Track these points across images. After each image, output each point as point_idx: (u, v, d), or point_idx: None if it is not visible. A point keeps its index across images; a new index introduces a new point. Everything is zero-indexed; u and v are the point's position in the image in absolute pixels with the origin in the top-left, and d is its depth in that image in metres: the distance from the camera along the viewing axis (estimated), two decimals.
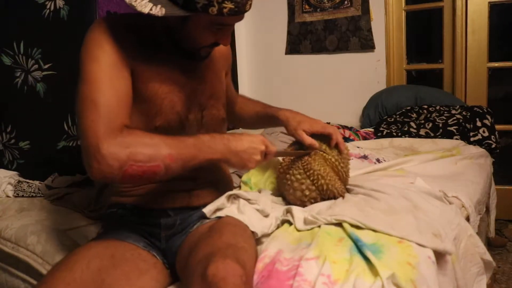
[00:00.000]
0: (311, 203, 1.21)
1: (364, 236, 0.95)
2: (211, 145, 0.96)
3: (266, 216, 1.11)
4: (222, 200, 1.10)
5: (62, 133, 1.94)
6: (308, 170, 1.18)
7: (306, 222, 1.06)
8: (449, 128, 2.16)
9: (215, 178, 1.17)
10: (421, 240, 0.95)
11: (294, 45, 3.06)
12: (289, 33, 3.07)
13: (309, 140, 1.21)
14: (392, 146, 2.09)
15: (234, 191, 1.14)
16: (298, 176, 1.19)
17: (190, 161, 0.92)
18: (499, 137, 2.18)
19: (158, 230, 1.07)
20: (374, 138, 2.29)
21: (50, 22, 1.86)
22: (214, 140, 0.97)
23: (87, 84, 0.90)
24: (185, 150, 0.91)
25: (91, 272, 0.87)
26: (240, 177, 1.48)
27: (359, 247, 0.91)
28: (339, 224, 1.03)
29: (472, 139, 2.10)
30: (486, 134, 2.10)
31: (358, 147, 1.91)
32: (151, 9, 0.90)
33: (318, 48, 2.97)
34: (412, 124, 2.28)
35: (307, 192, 1.19)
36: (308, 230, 1.05)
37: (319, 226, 1.04)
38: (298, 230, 1.06)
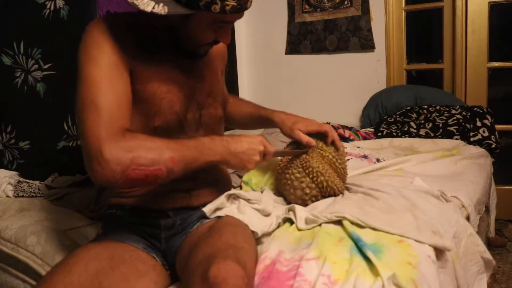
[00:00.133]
0: (312, 201, 1.21)
1: (365, 236, 0.95)
2: (212, 147, 0.97)
3: (267, 215, 1.11)
4: (221, 199, 1.10)
5: (62, 133, 1.94)
6: (306, 168, 1.19)
7: (307, 221, 1.07)
8: (449, 128, 2.16)
9: (214, 178, 1.17)
10: (420, 237, 0.95)
11: (294, 45, 3.06)
12: (289, 33, 3.07)
13: (306, 138, 1.22)
14: (392, 146, 2.09)
15: (234, 191, 1.14)
16: (298, 175, 1.19)
17: (191, 164, 0.93)
18: (499, 137, 2.18)
19: (158, 231, 1.07)
20: (374, 138, 2.29)
21: (50, 22, 1.86)
22: (214, 142, 0.98)
23: (86, 86, 0.90)
24: (186, 152, 0.92)
25: (89, 275, 0.87)
26: (240, 177, 1.48)
27: (359, 247, 0.91)
28: (339, 224, 1.03)
29: (472, 139, 2.09)
30: (486, 134, 2.10)
31: (358, 147, 1.90)
32: (153, 8, 0.90)
33: (318, 48, 2.97)
34: (412, 124, 2.28)
35: (307, 191, 1.19)
36: (309, 229, 1.05)
37: (320, 225, 1.04)
38: (299, 230, 1.06)
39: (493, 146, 2.08)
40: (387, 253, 0.89)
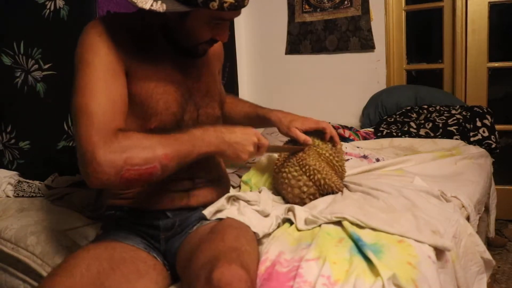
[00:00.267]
0: (310, 199, 1.21)
1: (365, 236, 0.95)
2: (205, 138, 0.97)
3: (267, 216, 1.11)
4: (222, 201, 1.10)
5: (62, 133, 1.94)
6: (303, 166, 1.19)
7: (307, 222, 1.07)
8: (449, 128, 2.16)
9: (213, 178, 1.17)
10: (420, 237, 0.95)
11: (294, 45, 3.06)
12: (289, 33, 3.07)
13: (303, 136, 1.22)
14: (392, 146, 2.09)
15: (234, 193, 1.14)
16: (295, 173, 1.19)
17: (185, 158, 0.93)
18: (499, 137, 2.18)
19: (157, 232, 1.07)
20: (374, 138, 2.29)
21: (50, 22, 1.86)
22: (207, 133, 0.98)
23: (80, 91, 0.90)
24: (180, 147, 0.92)
25: (91, 276, 0.87)
26: (240, 177, 1.48)
27: (359, 247, 0.91)
28: (339, 224, 1.03)
29: (472, 139, 2.09)
30: (486, 134, 2.10)
31: (358, 147, 1.91)
32: (152, 5, 0.90)
33: (318, 48, 2.97)
34: (412, 124, 2.28)
35: (305, 189, 1.19)
36: (308, 230, 1.05)
37: (320, 226, 1.04)
38: (299, 230, 1.06)
39: (493, 146, 2.08)
40: (387, 253, 0.89)
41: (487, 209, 1.80)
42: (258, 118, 1.32)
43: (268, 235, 1.06)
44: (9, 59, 1.75)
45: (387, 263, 0.85)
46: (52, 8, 1.86)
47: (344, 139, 2.20)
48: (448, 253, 1.00)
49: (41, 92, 1.85)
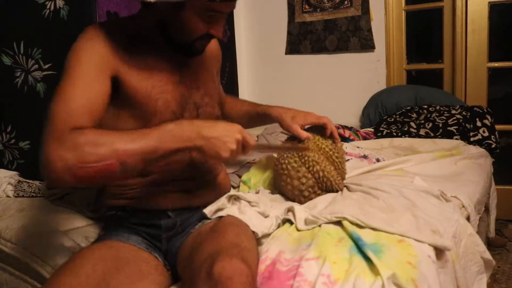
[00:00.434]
0: (309, 192, 1.21)
1: (365, 236, 0.95)
2: (177, 133, 0.89)
3: (266, 217, 1.12)
4: (222, 200, 1.10)
5: None
6: (302, 157, 1.19)
7: (306, 222, 1.07)
8: (449, 128, 2.16)
9: (213, 178, 1.17)
10: (420, 236, 0.95)
11: (294, 45, 3.06)
12: (289, 33, 3.07)
13: (305, 134, 1.23)
14: (392, 146, 2.09)
15: (235, 192, 1.14)
16: (294, 165, 1.20)
17: (151, 154, 0.86)
18: (499, 137, 2.18)
19: (159, 232, 1.07)
20: (374, 138, 2.29)
21: (50, 22, 1.86)
22: (180, 127, 0.90)
23: (57, 91, 0.90)
24: (142, 143, 0.85)
25: (97, 276, 0.87)
26: (239, 176, 1.48)
27: (359, 247, 0.91)
28: (339, 224, 1.03)
29: (472, 139, 2.09)
30: (486, 134, 2.10)
31: (358, 147, 1.90)
32: None
33: (318, 48, 2.97)
34: (412, 124, 2.28)
35: (304, 180, 1.19)
36: (308, 230, 1.05)
37: (320, 226, 1.04)
38: (298, 230, 1.06)
39: (493, 146, 2.07)
40: (387, 253, 0.89)
41: (487, 209, 1.80)
42: (259, 115, 1.32)
43: (267, 235, 1.06)
44: (9, 59, 1.75)
45: (387, 263, 0.85)
46: (52, 8, 1.86)
47: (344, 139, 2.20)
48: (448, 253, 1.00)
49: (41, 92, 1.85)
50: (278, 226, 1.11)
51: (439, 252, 0.98)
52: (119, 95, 0.99)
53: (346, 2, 2.83)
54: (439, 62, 2.77)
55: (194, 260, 0.89)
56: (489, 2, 2.54)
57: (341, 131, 2.29)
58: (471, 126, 2.15)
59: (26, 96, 1.80)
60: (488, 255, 1.20)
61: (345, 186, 1.30)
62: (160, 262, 1.03)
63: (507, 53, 2.67)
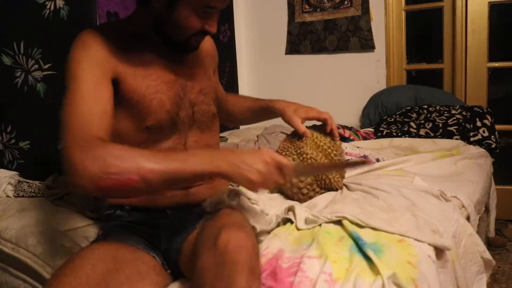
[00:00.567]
0: (308, 190, 1.21)
1: (365, 235, 0.95)
2: (202, 158, 0.88)
3: (266, 215, 1.12)
4: (222, 195, 1.11)
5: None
6: (301, 154, 1.19)
7: (307, 221, 1.07)
8: (449, 128, 2.16)
9: None
10: (419, 236, 0.96)
11: (294, 45, 3.06)
12: (289, 33, 3.07)
13: (302, 129, 1.23)
14: (392, 146, 2.09)
15: (235, 188, 1.14)
16: (293, 162, 1.20)
17: (175, 174, 0.85)
18: (499, 137, 2.18)
19: (158, 230, 1.07)
20: (374, 138, 2.29)
21: (50, 22, 1.86)
22: (206, 152, 0.93)
23: (66, 103, 0.93)
24: (166, 164, 0.85)
25: (96, 277, 0.87)
26: None
27: (360, 246, 0.91)
28: (339, 223, 1.03)
29: (472, 139, 2.09)
30: (486, 134, 2.10)
31: (358, 147, 1.91)
32: None
33: (318, 48, 2.97)
34: (412, 124, 2.28)
35: (303, 177, 1.19)
36: (308, 229, 1.05)
37: (320, 225, 1.04)
38: (298, 229, 1.06)
39: (493, 146, 2.08)
40: (387, 253, 0.89)
41: (487, 209, 1.80)
42: (262, 109, 1.32)
43: (267, 232, 1.06)
44: (9, 59, 1.75)
45: (387, 262, 0.85)
46: (52, 8, 1.86)
47: (344, 139, 2.21)
48: (448, 252, 1.00)
49: (41, 92, 1.85)
50: (278, 225, 1.11)
51: (439, 252, 0.98)
52: (117, 96, 1.01)
53: (346, 2, 2.83)
54: (439, 62, 2.77)
55: (198, 241, 0.88)
56: (489, 2, 2.55)
57: (341, 131, 2.29)
58: (471, 126, 2.15)
59: (26, 96, 1.80)
60: (488, 255, 1.20)
61: (345, 185, 1.30)
62: (158, 262, 1.03)
63: (507, 53, 2.67)
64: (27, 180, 1.71)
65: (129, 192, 0.87)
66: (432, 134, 2.18)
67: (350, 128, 2.41)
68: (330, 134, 1.27)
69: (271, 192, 1.26)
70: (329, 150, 1.23)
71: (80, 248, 1.22)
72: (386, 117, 2.54)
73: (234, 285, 0.72)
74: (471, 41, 2.60)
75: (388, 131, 2.30)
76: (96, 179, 0.81)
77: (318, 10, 2.94)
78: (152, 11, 1.00)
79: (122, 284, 0.89)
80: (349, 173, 1.46)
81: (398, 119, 2.40)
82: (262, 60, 3.25)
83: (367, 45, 2.81)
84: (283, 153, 1.24)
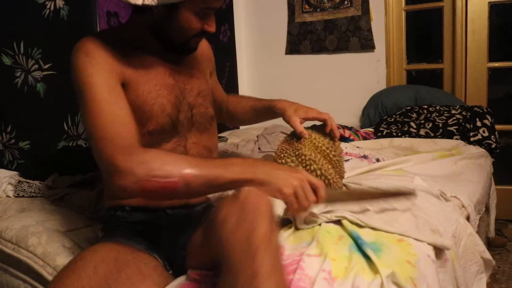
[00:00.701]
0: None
1: (365, 235, 0.95)
2: (241, 166, 0.91)
3: None
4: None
5: (62, 133, 1.94)
6: (299, 156, 1.19)
7: (306, 221, 1.07)
8: (449, 128, 2.16)
9: None
10: (419, 235, 0.96)
11: (294, 45, 3.06)
12: (289, 33, 3.07)
13: (300, 128, 1.23)
14: (392, 146, 2.09)
15: None
16: (291, 164, 1.20)
17: (214, 180, 0.89)
18: (499, 137, 2.18)
19: (159, 231, 1.07)
20: (374, 138, 2.29)
21: (50, 22, 1.86)
22: (246, 160, 0.95)
23: (89, 115, 0.94)
24: (207, 169, 0.89)
25: (98, 279, 0.88)
26: None
27: (359, 245, 0.91)
28: (338, 223, 1.03)
29: (472, 139, 2.09)
30: (486, 134, 2.10)
31: (358, 147, 1.91)
32: (144, 1, 0.93)
33: (318, 48, 2.97)
34: (412, 124, 2.28)
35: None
36: (308, 228, 1.05)
37: (319, 224, 1.04)
38: (298, 229, 1.06)
39: (493, 146, 2.08)
40: (386, 252, 0.90)
41: (487, 209, 1.80)
42: (264, 109, 1.34)
43: None
44: (9, 59, 1.75)
45: (386, 261, 0.85)
46: (52, 8, 1.86)
47: (344, 139, 2.21)
48: (448, 252, 1.00)
49: (41, 92, 1.85)
50: None
51: (439, 251, 0.98)
52: None
53: (346, 2, 2.83)
54: (439, 62, 2.77)
55: (213, 211, 0.87)
56: (489, 2, 2.55)
57: (341, 131, 2.29)
58: (471, 126, 2.15)
59: (26, 96, 1.80)
60: (487, 254, 1.20)
61: (344, 185, 1.30)
62: (159, 263, 1.03)
63: (507, 53, 2.67)
64: (27, 180, 1.71)
65: (171, 195, 0.90)
66: (432, 134, 2.18)
67: (350, 128, 2.41)
68: (330, 135, 1.27)
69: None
70: (328, 151, 1.22)
71: (80, 248, 1.23)
72: (386, 117, 2.54)
73: (256, 230, 0.72)
74: (471, 41, 2.60)
75: (388, 131, 2.30)
76: (142, 182, 0.85)
77: (318, 10, 2.94)
78: (151, 16, 1.01)
79: (124, 285, 0.90)
80: (349, 173, 1.46)
81: (398, 119, 2.40)
82: (262, 60, 3.25)
83: (367, 45, 2.81)
84: (281, 155, 1.24)
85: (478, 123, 2.15)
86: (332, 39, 2.91)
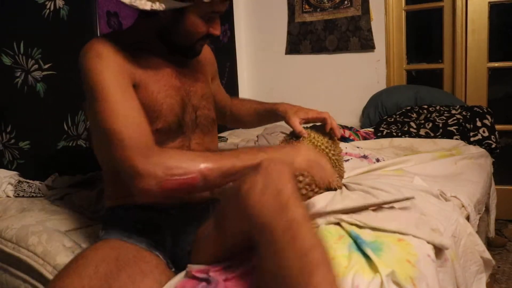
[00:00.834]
0: (306, 190, 1.20)
1: (364, 235, 0.95)
2: (249, 151, 0.98)
3: None
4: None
5: (62, 133, 1.94)
6: None
7: None
8: (449, 128, 2.16)
9: None
10: (418, 233, 0.96)
11: (294, 45, 3.06)
12: (289, 33, 3.07)
13: (299, 128, 1.24)
14: (392, 146, 2.09)
15: None
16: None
17: (229, 171, 0.93)
18: (499, 137, 2.18)
19: (162, 229, 1.08)
20: (374, 138, 2.30)
21: (50, 22, 1.86)
22: (250, 149, 1.00)
23: (104, 117, 0.94)
24: (221, 160, 0.93)
25: (99, 278, 0.88)
26: None
27: (358, 245, 0.91)
28: (338, 223, 1.03)
29: (472, 139, 2.09)
30: (486, 134, 2.10)
31: (358, 147, 1.91)
32: (152, 6, 0.94)
33: (318, 48, 2.97)
34: (412, 124, 2.28)
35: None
36: None
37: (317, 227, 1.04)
38: None
39: (493, 146, 2.08)
40: (386, 251, 0.89)
41: (487, 209, 1.80)
42: (267, 112, 1.36)
43: None
44: (9, 59, 1.75)
45: (386, 261, 0.85)
46: (52, 8, 1.87)
47: (344, 139, 2.21)
48: (448, 252, 1.00)
49: (41, 92, 1.85)
50: None
51: (438, 251, 0.98)
52: None
53: (346, 2, 2.83)
54: (439, 62, 2.78)
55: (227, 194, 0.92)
56: (489, 2, 2.55)
57: (341, 131, 2.29)
58: (471, 126, 2.15)
59: (26, 96, 1.81)
60: (487, 254, 1.20)
61: (344, 185, 1.30)
62: (161, 261, 1.03)
63: (507, 53, 2.67)
64: (27, 180, 1.72)
65: (190, 190, 0.93)
66: (432, 134, 2.18)
67: (350, 128, 2.42)
68: (330, 134, 1.27)
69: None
70: (327, 150, 1.22)
71: (81, 248, 1.23)
72: (386, 117, 2.54)
73: (283, 189, 0.74)
74: (471, 41, 2.60)
75: (388, 131, 2.30)
76: (162, 182, 0.88)
77: (318, 10, 2.94)
78: (157, 20, 1.03)
79: (126, 284, 0.90)
80: (349, 173, 1.46)
81: (398, 119, 2.40)
82: (262, 60, 3.25)
83: (367, 45, 2.81)
84: None
85: (478, 123, 2.15)
86: (332, 39, 2.92)
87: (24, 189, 1.66)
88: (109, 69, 0.96)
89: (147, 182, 0.88)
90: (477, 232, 1.32)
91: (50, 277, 1.17)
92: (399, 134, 2.25)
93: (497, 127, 2.21)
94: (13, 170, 1.81)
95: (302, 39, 3.02)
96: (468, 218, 1.29)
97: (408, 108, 2.48)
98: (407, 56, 2.85)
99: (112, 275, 0.90)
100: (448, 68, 2.71)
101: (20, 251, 1.28)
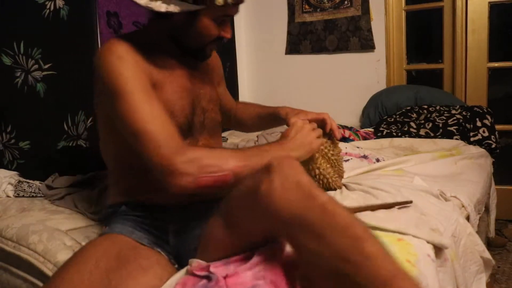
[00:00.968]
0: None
1: None
2: (268, 150, 1.03)
3: None
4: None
5: (62, 133, 1.94)
6: None
7: None
8: (449, 128, 2.16)
9: None
10: (418, 233, 0.96)
11: (294, 45, 3.06)
12: (289, 33, 3.07)
13: None
14: (392, 146, 2.09)
15: None
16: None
17: (255, 168, 0.93)
18: (499, 137, 2.18)
19: (165, 225, 1.08)
20: (374, 138, 2.29)
21: (50, 22, 1.86)
22: (269, 147, 1.06)
23: (132, 118, 0.95)
24: (249, 158, 0.97)
25: (99, 273, 0.89)
26: None
27: None
28: None
29: (472, 139, 2.09)
30: (486, 134, 2.10)
31: (358, 147, 1.91)
32: (167, 8, 0.97)
33: (318, 48, 2.97)
34: (412, 124, 2.28)
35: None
36: None
37: None
38: None
39: (493, 146, 2.08)
40: None
41: (487, 209, 1.80)
42: (269, 115, 1.37)
43: None
44: (9, 59, 1.75)
45: None
46: (52, 8, 1.87)
47: (344, 139, 2.21)
48: (447, 252, 1.01)
49: (41, 92, 1.85)
50: None
51: (438, 251, 0.98)
52: None
53: (346, 2, 2.84)
54: (439, 62, 2.77)
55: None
56: (489, 2, 2.55)
57: (341, 131, 2.29)
58: (471, 126, 2.15)
59: (26, 96, 1.81)
60: (487, 254, 1.20)
61: (344, 185, 1.30)
62: (163, 257, 1.03)
63: (507, 53, 2.67)
64: (27, 180, 1.72)
65: (223, 187, 0.94)
66: (432, 134, 2.18)
67: (350, 128, 2.41)
68: (329, 134, 1.27)
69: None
70: (326, 150, 1.23)
71: (82, 246, 1.23)
72: (386, 117, 2.54)
73: (301, 180, 0.76)
74: (471, 41, 2.60)
75: (388, 131, 2.30)
76: (197, 179, 0.91)
77: (318, 10, 2.94)
78: (171, 22, 1.05)
79: (125, 279, 0.90)
80: (349, 173, 1.46)
81: (398, 119, 2.40)
82: (262, 60, 3.25)
83: (367, 45, 2.81)
84: None
85: (478, 123, 2.15)
86: (332, 39, 2.92)
87: (24, 189, 1.67)
88: (130, 70, 0.98)
89: (185, 179, 0.90)
90: (477, 232, 1.32)
91: (51, 274, 1.17)
92: (399, 134, 2.25)
93: (497, 127, 2.21)
94: (13, 170, 1.81)
95: (302, 39, 3.02)
96: (468, 218, 1.29)
97: (408, 108, 2.48)
98: (407, 56, 2.85)
99: (112, 271, 0.90)
100: (448, 68, 2.71)
101: (21, 249, 1.28)
